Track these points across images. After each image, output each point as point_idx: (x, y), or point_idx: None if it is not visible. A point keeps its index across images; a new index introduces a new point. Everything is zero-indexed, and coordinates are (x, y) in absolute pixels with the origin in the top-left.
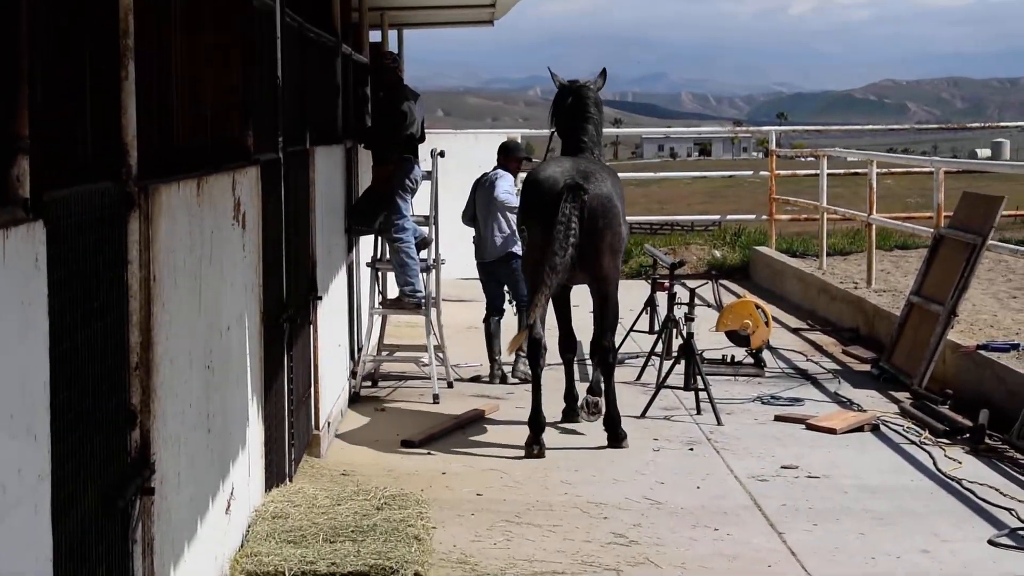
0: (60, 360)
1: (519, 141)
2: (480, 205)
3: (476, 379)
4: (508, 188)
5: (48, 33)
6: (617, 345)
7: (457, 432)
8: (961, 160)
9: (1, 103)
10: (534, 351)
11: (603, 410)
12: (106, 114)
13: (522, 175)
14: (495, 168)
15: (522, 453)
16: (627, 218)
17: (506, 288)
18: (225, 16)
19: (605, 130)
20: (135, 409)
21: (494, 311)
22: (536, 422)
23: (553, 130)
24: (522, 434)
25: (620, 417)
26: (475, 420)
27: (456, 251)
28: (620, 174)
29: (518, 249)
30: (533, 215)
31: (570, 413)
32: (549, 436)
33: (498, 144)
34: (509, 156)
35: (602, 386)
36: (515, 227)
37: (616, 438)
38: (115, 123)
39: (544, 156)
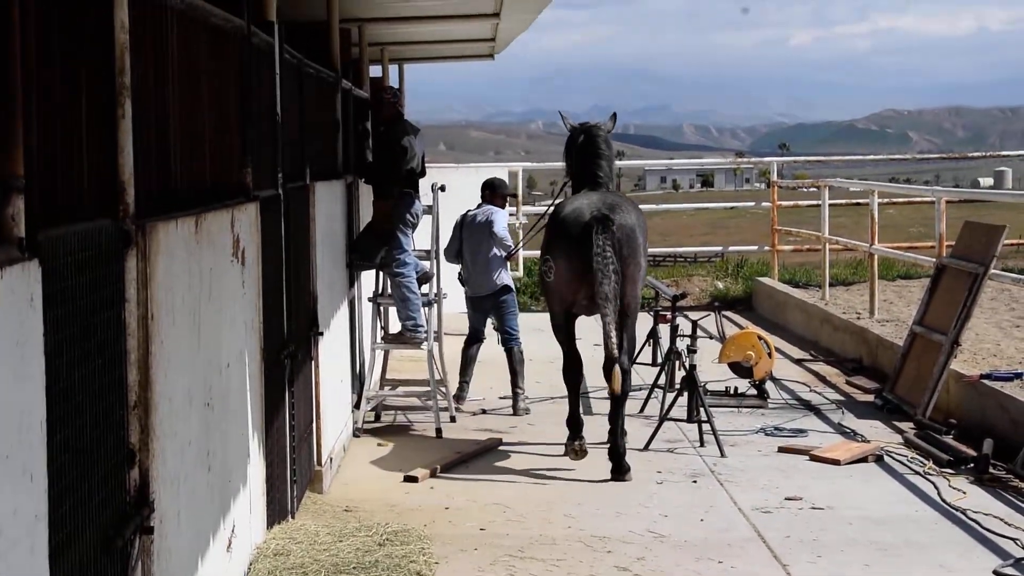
0: (57, 399)
1: (505, 178)
2: (470, 241)
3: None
4: (505, 225)
5: (43, 72)
6: None
7: (460, 466)
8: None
9: None
10: (609, 369)
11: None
12: (103, 152)
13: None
14: (481, 205)
15: (527, 486)
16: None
17: (491, 319)
18: (223, 53)
19: None
20: (134, 448)
21: (476, 340)
22: (575, 421)
23: (567, 177)
24: (526, 467)
25: (626, 450)
26: (478, 454)
27: (457, 285)
28: None
29: (511, 282)
30: (560, 246)
31: (574, 440)
32: (549, 470)
33: (500, 177)
34: (496, 193)
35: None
36: (506, 262)
37: (620, 470)
38: (112, 161)
39: (556, 195)
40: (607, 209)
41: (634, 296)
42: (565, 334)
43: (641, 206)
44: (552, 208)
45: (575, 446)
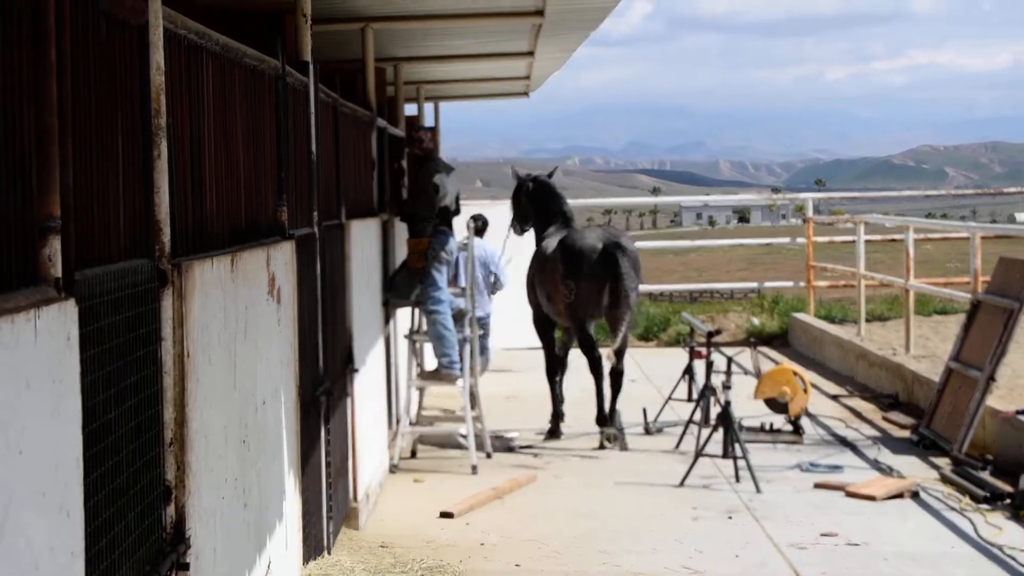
0: (93, 437)
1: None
2: (468, 271)
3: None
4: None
5: (79, 113)
6: (656, 414)
7: (496, 502)
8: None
9: (33, 184)
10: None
11: (627, 445)
12: (139, 192)
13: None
14: (472, 236)
15: (562, 522)
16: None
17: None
18: (258, 93)
19: (643, 199)
20: (170, 485)
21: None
22: (602, 416)
23: (516, 220)
24: (561, 502)
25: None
26: (514, 491)
27: (495, 321)
28: (658, 243)
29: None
30: (579, 272)
31: (555, 432)
32: (585, 505)
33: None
34: (484, 228)
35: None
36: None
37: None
38: (148, 201)
39: (508, 233)
40: (616, 238)
41: (636, 306)
42: (583, 338)
43: (677, 242)
44: (545, 244)
45: (558, 436)
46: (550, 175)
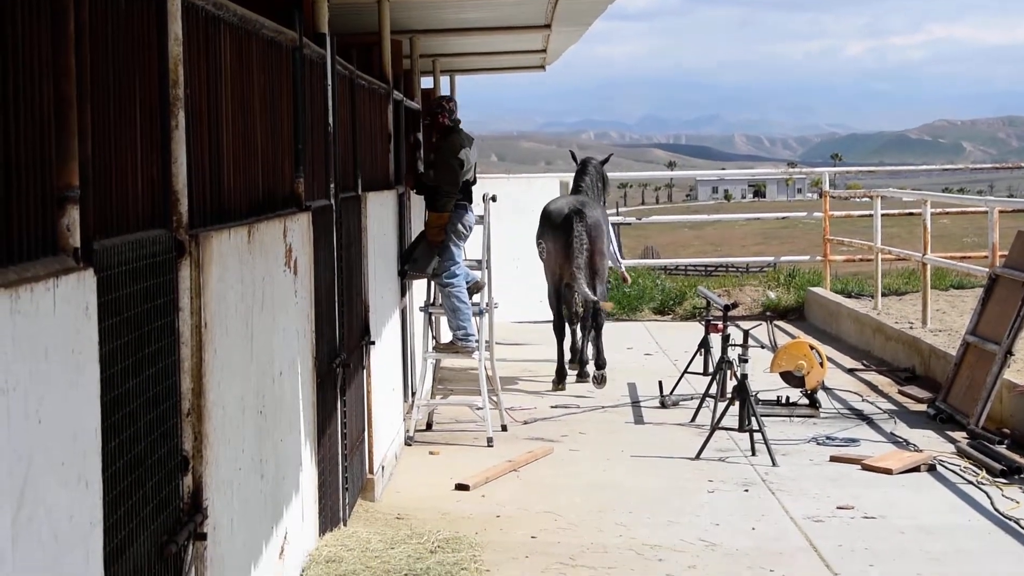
0: (111, 407)
1: (556, 189)
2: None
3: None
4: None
5: (98, 84)
6: (672, 387)
7: (511, 475)
8: (1016, 200)
9: (51, 153)
10: (598, 317)
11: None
12: (157, 163)
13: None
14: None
15: (578, 495)
16: (611, 235)
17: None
18: (276, 65)
19: (657, 173)
20: (187, 455)
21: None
22: (561, 370)
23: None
24: (577, 475)
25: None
26: (529, 463)
27: (509, 295)
28: (674, 217)
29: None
30: (549, 233)
31: (561, 378)
32: (601, 478)
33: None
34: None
35: (601, 345)
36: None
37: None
38: (166, 172)
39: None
40: (580, 205)
41: (603, 266)
42: (555, 300)
43: (693, 216)
44: (545, 205)
45: (563, 386)
46: (604, 161)
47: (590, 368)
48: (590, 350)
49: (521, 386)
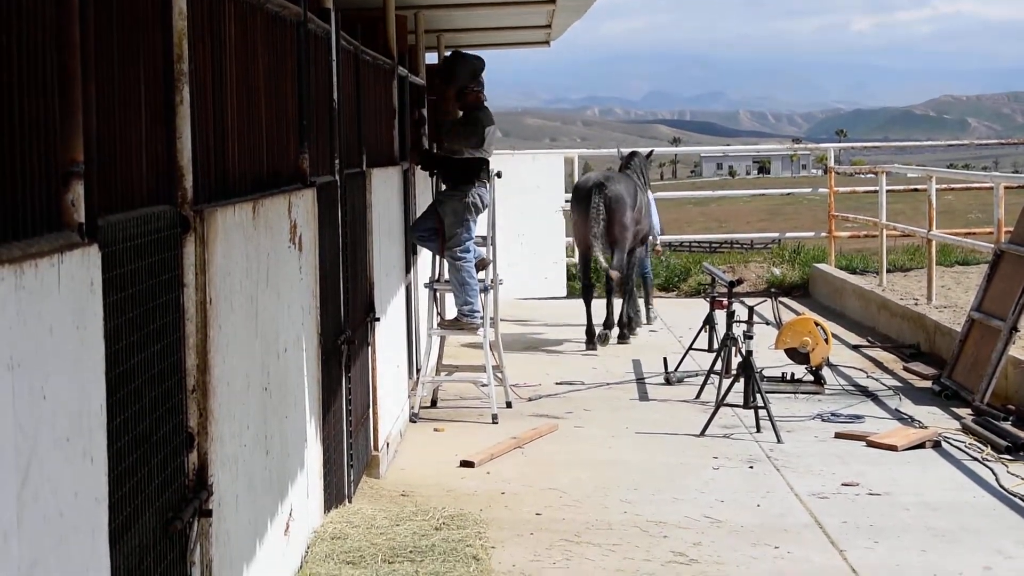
0: (116, 383)
1: (561, 165)
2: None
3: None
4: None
5: (102, 58)
6: (676, 364)
7: (516, 452)
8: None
9: (56, 128)
10: (609, 283)
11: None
12: (162, 138)
13: None
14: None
15: (583, 471)
16: (640, 209)
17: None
18: (280, 40)
19: (662, 149)
20: (192, 431)
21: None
22: (590, 331)
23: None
24: (582, 452)
25: (632, 323)
26: (534, 440)
27: (514, 272)
28: (678, 193)
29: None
30: (574, 204)
31: (591, 338)
32: (606, 455)
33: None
34: None
35: (627, 308)
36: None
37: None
38: (170, 147)
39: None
40: (603, 179)
41: (623, 237)
42: (583, 267)
43: (698, 192)
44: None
45: (593, 346)
46: (649, 155)
47: (616, 330)
48: (617, 311)
49: (526, 363)
